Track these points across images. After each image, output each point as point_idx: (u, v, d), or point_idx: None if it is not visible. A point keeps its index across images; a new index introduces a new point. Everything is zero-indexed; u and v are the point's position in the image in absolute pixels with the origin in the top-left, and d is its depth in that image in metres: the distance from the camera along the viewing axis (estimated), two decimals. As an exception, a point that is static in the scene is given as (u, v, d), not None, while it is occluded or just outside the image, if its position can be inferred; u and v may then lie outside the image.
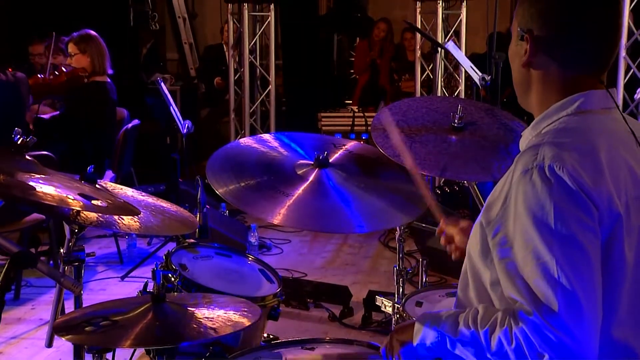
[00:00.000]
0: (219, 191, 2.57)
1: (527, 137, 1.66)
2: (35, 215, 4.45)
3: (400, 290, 2.99)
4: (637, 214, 1.53)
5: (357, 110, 7.70)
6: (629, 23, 6.21)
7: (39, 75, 5.44)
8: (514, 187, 1.51)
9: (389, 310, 3.14)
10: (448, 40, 6.61)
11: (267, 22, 7.40)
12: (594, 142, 1.54)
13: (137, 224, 2.29)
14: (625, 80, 6.32)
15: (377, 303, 3.52)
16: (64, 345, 3.65)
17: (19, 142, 2.07)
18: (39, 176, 2.01)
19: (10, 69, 4.89)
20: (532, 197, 1.47)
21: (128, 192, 2.56)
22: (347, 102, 8.55)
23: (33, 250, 5.09)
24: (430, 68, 7.26)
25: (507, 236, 1.52)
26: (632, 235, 1.52)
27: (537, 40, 1.59)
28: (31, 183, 1.94)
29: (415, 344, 1.68)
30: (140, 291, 2.54)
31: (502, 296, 1.55)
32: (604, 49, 1.62)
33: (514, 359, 1.47)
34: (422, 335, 1.66)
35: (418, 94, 7.26)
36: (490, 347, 1.50)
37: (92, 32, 5.34)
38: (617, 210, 1.49)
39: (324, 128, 7.53)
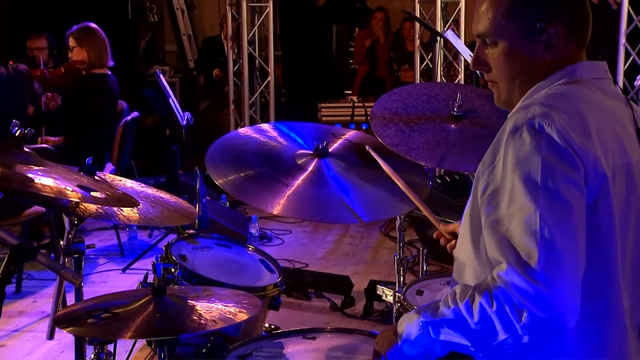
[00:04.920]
0: (219, 182, 2.57)
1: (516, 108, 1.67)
2: (36, 208, 4.45)
3: (401, 279, 2.99)
4: (622, 183, 1.57)
5: (356, 101, 7.70)
6: (628, 9, 6.18)
7: (40, 69, 5.45)
8: (504, 146, 1.54)
9: (390, 299, 3.15)
10: (447, 29, 6.59)
11: (265, 13, 7.38)
12: (583, 107, 1.58)
13: (137, 215, 2.29)
14: (625, 67, 6.31)
15: (378, 292, 3.53)
16: (65, 338, 3.66)
17: (17, 135, 2.06)
18: (37, 168, 2.00)
19: (11, 62, 4.89)
20: (521, 153, 1.50)
21: (127, 183, 2.56)
22: (346, 92, 8.54)
23: (35, 243, 5.10)
24: (429, 57, 7.25)
25: (495, 193, 1.54)
26: (617, 203, 1.56)
27: (565, 26, 1.62)
28: (29, 175, 1.93)
29: (400, 343, 1.67)
30: (140, 283, 2.54)
31: (490, 267, 1.55)
32: (589, 18, 1.68)
33: (498, 323, 1.46)
34: (407, 330, 1.65)
35: (417, 84, 7.24)
36: (473, 316, 1.50)
37: (93, 25, 5.34)
38: (603, 170, 1.52)
39: (323, 118, 7.52)
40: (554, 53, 1.64)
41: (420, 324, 1.61)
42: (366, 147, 2.60)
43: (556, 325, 1.43)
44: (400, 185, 2.46)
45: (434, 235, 2.14)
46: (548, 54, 1.64)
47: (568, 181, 1.47)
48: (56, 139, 5.35)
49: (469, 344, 1.54)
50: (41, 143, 5.23)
